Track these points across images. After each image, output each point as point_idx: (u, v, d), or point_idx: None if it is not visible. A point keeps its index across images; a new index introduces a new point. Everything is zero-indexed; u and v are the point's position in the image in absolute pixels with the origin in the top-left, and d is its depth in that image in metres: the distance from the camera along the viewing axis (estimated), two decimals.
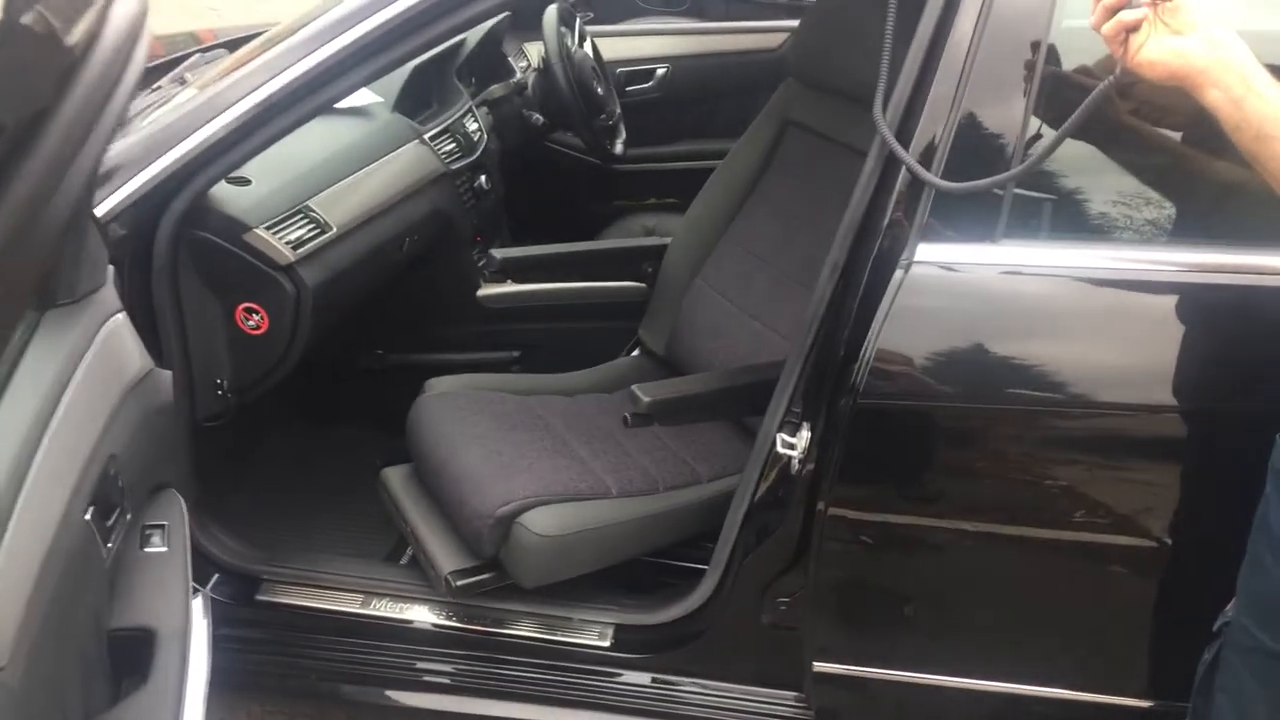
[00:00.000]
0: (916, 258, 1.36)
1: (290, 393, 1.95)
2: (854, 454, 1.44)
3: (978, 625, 1.58)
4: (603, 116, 2.71)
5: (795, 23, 3.15)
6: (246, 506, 2.01)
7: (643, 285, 2.34)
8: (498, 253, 2.31)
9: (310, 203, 1.85)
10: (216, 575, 1.84)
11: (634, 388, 1.68)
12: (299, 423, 2.38)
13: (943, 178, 1.35)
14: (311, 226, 1.83)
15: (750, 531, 1.63)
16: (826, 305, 1.48)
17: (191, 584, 1.32)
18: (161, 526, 1.35)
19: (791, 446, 1.52)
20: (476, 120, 2.51)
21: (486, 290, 2.40)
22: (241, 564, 1.85)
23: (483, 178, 2.46)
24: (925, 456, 1.47)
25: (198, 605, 1.34)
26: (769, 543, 1.61)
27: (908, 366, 1.38)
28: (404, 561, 2.02)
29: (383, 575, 1.88)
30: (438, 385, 2.04)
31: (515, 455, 1.82)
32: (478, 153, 2.43)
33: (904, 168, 1.38)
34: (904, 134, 1.39)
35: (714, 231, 2.19)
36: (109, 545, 1.14)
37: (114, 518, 1.16)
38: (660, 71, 3.12)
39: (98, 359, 1.14)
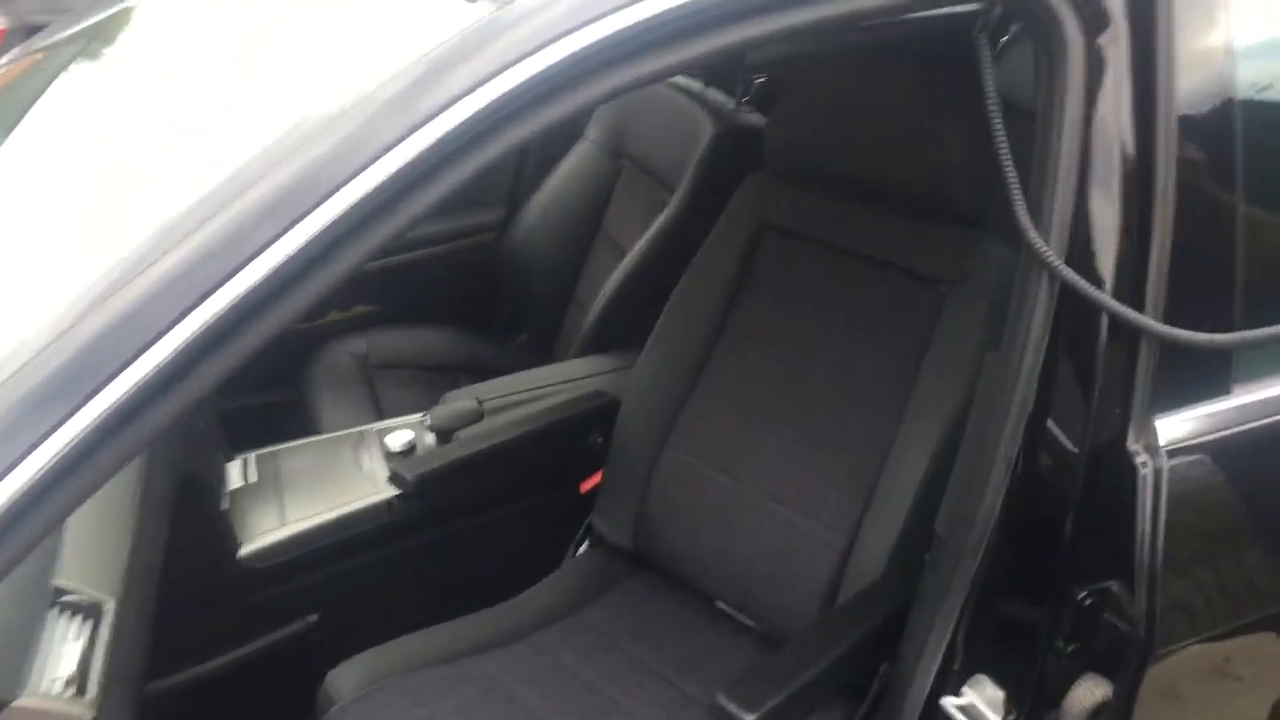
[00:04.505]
0: (1163, 441, 0.97)
1: None
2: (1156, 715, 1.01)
3: None
4: None
5: None
6: None
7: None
8: (405, 468, 1.55)
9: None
10: None
11: (724, 703, 1.09)
12: None
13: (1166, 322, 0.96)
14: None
15: None
16: (999, 518, 1.04)
17: None
18: None
19: (971, 714, 1.08)
20: None
21: (253, 545, 1.59)
22: None
23: None
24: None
25: None
26: None
27: (1206, 593, 0.99)
28: None
29: None
30: (343, 682, 1.37)
31: None
32: None
33: (1104, 315, 0.97)
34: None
35: (682, 382, 1.60)
36: None
37: None
38: None
39: None
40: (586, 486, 1.79)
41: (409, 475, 1.53)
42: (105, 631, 1.00)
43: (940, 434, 1.31)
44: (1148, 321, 0.95)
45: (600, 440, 1.70)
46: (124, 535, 1.12)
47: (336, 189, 0.72)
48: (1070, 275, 0.95)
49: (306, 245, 0.72)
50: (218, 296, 0.71)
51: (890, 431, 1.39)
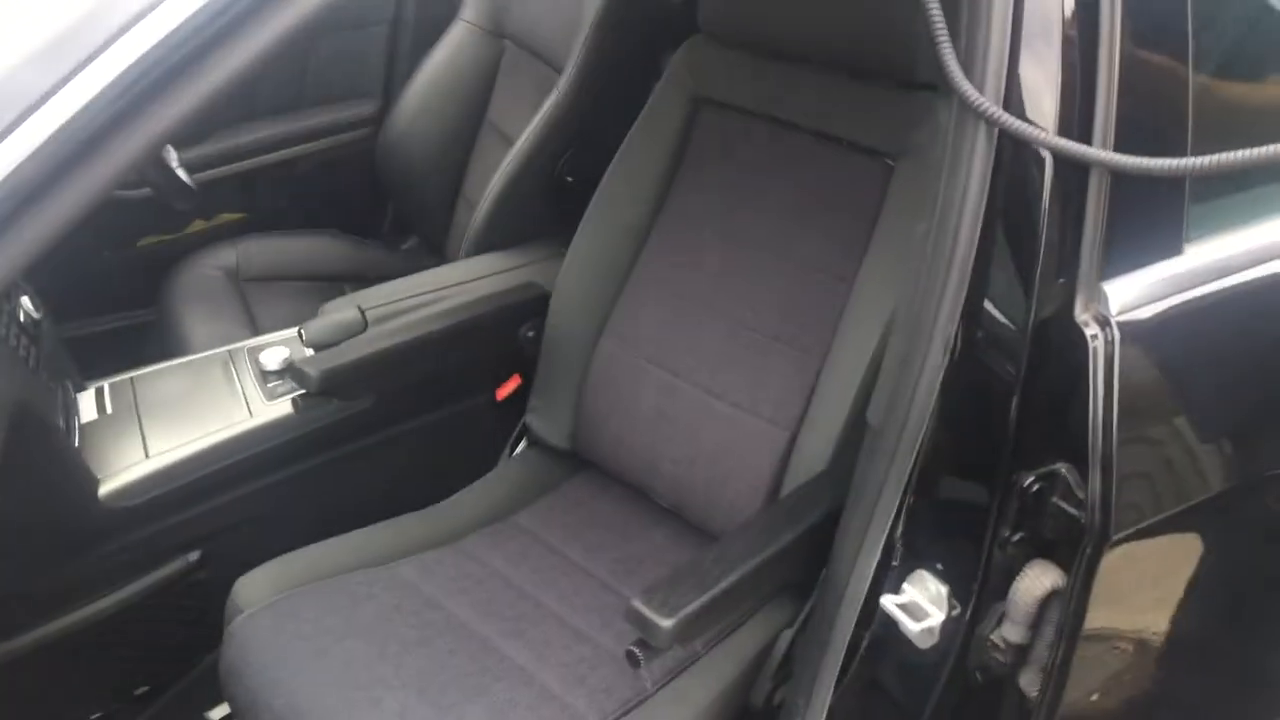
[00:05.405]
0: (1114, 309, 0.88)
1: None
2: (1108, 603, 0.95)
3: None
4: None
5: None
6: None
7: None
8: (308, 364, 1.39)
9: None
10: None
11: (639, 607, 1.02)
12: None
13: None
14: None
15: None
16: (938, 402, 0.95)
17: None
18: None
19: (911, 612, 1.01)
20: None
21: (113, 483, 1.42)
22: None
23: (23, 299, 1.40)
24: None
25: None
26: None
27: (1164, 470, 0.92)
28: None
29: None
30: (251, 590, 1.28)
31: (433, 711, 1.15)
32: None
33: (1046, 172, 0.87)
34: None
35: (616, 270, 1.49)
36: None
37: None
38: None
39: None
40: (503, 393, 1.67)
41: (312, 372, 1.38)
42: None
43: (889, 318, 1.22)
44: (1096, 152, 0.84)
45: (531, 335, 1.57)
46: None
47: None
48: (1007, 118, 0.85)
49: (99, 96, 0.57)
50: None
51: (835, 316, 1.30)
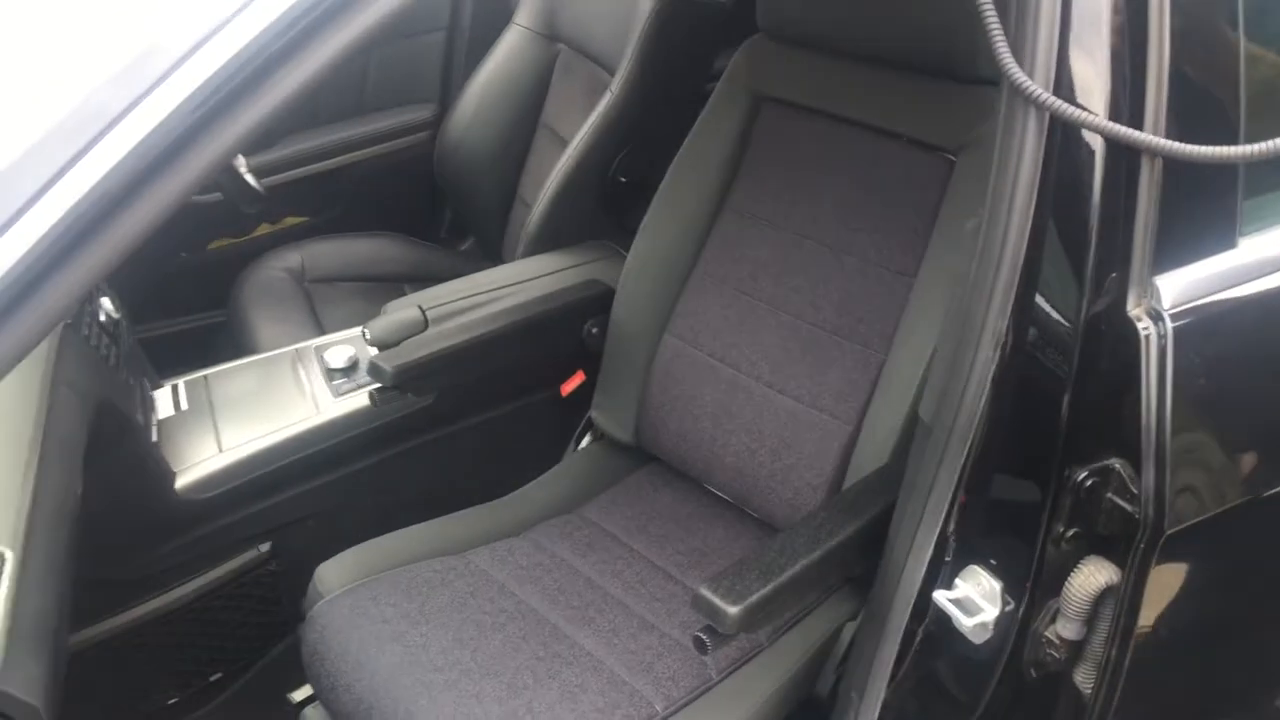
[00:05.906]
0: (1167, 303, 0.88)
1: None
2: (1163, 599, 0.95)
3: None
4: None
5: None
6: None
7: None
8: (383, 359, 1.44)
9: None
10: None
11: (706, 594, 1.04)
12: None
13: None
14: None
15: None
16: (989, 398, 0.96)
17: None
18: None
19: (964, 607, 1.01)
20: None
21: (189, 476, 1.48)
22: None
23: (104, 300, 1.47)
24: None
25: None
26: None
27: (1218, 465, 0.91)
28: None
29: None
30: (332, 575, 1.32)
31: (507, 693, 1.19)
32: None
33: (1098, 152, 0.87)
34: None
35: (678, 267, 1.52)
36: None
37: None
38: None
39: None
40: (568, 388, 1.71)
41: (388, 368, 1.43)
42: (5, 585, 0.89)
43: None
44: (1147, 137, 0.84)
45: (595, 331, 1.62)
46: (23, 479, 1.01)
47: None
48: (1056, 102, 0.85)
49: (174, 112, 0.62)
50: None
51: (897, 311, 1.32)
